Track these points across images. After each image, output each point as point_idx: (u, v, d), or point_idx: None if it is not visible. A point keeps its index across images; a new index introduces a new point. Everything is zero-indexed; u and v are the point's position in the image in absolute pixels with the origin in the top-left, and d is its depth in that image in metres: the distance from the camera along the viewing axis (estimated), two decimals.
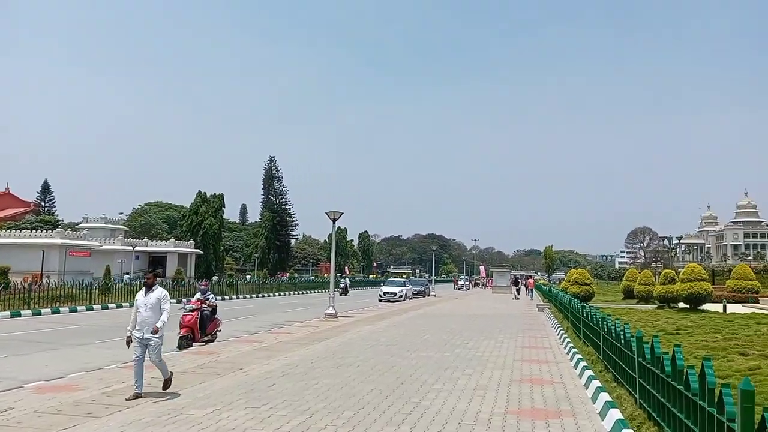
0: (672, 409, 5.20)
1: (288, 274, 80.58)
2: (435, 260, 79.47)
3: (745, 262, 53.76)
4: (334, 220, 23.69)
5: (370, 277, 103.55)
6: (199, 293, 14.98)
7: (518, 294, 47.09)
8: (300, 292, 49.81)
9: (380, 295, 39.40)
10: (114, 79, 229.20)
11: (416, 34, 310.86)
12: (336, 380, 9.27)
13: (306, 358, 11.58)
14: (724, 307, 22.04)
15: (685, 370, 4.84)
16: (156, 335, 7.95)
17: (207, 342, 14.23)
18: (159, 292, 8.16)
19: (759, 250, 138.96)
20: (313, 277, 79.35)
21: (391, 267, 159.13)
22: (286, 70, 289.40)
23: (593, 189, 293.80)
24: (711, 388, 4.26)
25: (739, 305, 25.90)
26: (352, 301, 36.94)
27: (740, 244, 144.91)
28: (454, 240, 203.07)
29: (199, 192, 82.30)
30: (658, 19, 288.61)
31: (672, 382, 5.20)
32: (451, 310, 28.98)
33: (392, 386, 8.85)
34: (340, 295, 42.94)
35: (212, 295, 15.29)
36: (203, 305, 14.54)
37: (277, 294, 46.21)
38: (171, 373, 8.30)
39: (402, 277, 64.30)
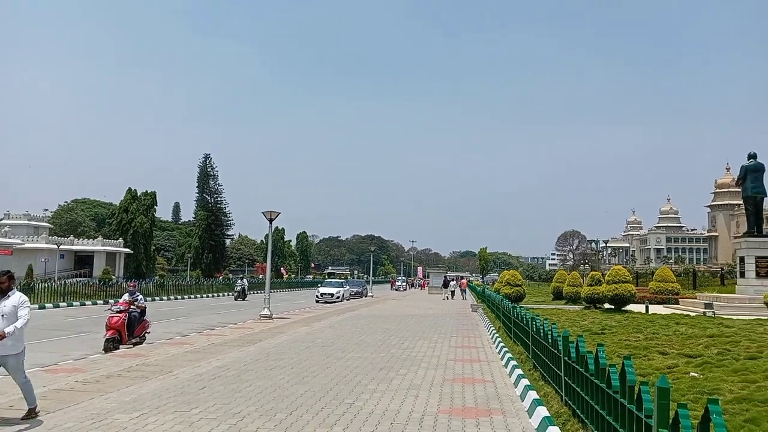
0: (595, 406, 5.39)
1: (222, 274, 78.95)
2: (373, 261, 79.67)
3: (666, 265, 56.50)
4: (270, 220, 23.38)
5: (308, 277, 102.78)
6: (127, 294, 14.50)
7: (452, 295, 48.35)
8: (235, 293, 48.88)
9: (317, 296, 39.21)
10: (39, 70, 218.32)
11: (356, 36, 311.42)
12: (269, 382, 9.15)
13: (238, 361, 11.37)
14: (647, 308, 23.08)
15: (607, 369, 5.03)
16: (14, 352, 6.66)
17: (135, 344, 13.77)
18: (16, 297, 6.80)
19: (680, 253, 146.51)
20: (248, 278, 77.98)
21: (330, 268, 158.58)
22: (223, 67, 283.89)
23: (528, 193, 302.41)
24: (631, 386, 4.43)
25: (660, 306, 27.18)
26: (288, 303, 36.57)
27: (663, 248, 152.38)
28: (392, 241, 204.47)
29: (130, 189, 79.47)
30: (592, 28, 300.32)
31: (595, 380, 5.39)
32: (388, 310, 29.13)
33: (326, 387, 8.81)
34: (236, 299, 38.86)
35: (141, 297, 14.81)
36: (131, 307, 14.06)
37: (210, 295, 45.21)
38: (37, 405, 6.93)
39: (340, 278, 64.20)
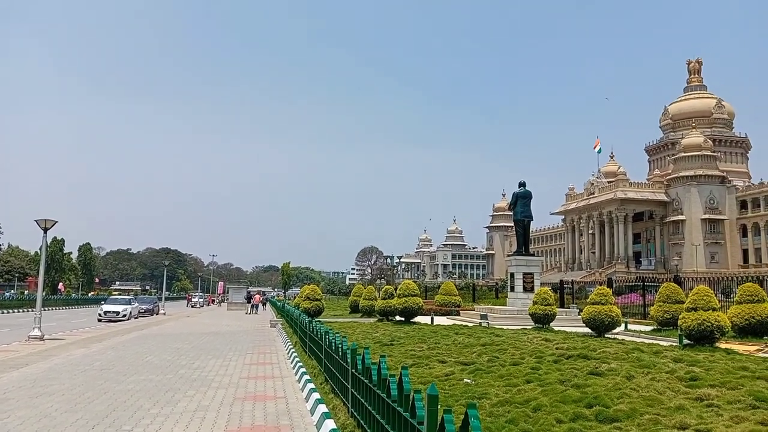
0: (376, 415, 5.65)
1: None
2: (169, 276, 75.13)
3: (451, 280, 61.56)
4: (45, 229, 20.91)
5: (90, 294, 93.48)
6: None
7: (254, 309, 48.65)
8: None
9: (100, 314, 35.80)
10: None
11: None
12: (34, 411, 8.13)
13: None
14: (432, 320, 24.86)
15: (387, 379, 5.31)
16: None
17: None
18: None
19: (463, 269, 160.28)
20: (17, 294, 68.89)
21: (117, 283, 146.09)
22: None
23: (331, 208, 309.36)
24: (407, 395, 4.72)
25: (444, 317, 29.45)
26: (65, 322, 32.89)
27: (449, 264, 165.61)
28: (190, 255, 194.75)
29: None
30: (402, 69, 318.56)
31: (377, 390, 5.66)
32: (181, 328, 27.66)
33: (102, 414, 8.07)
34: None
35: None
36: None
37: None
38: None
39: (129, 294, 59.48)
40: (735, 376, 9.00)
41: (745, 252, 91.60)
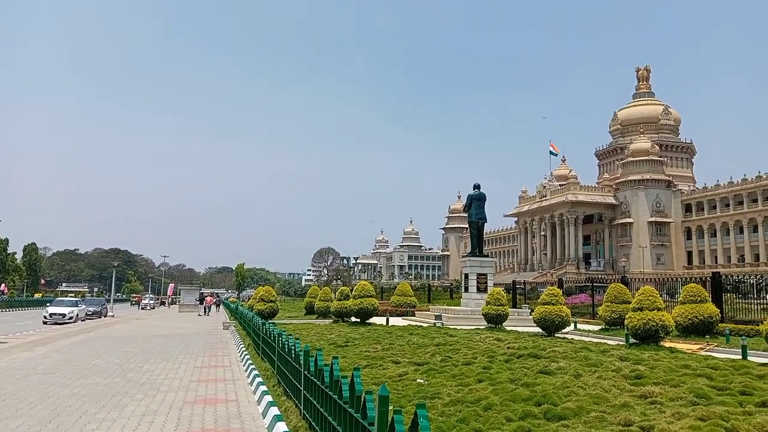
0: (328, 417, 5.62)
1: None
2: (118, 277, 73.12)
3: (407, 281, 61.88)
4: None
5: (36, 296, 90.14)
6: None
7: (206, 311, 47.95)
8: None
9: (45, 317, 34.54)
10: None
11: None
12: None
13: None
14: (387, 321, 24.94)
15: (340, 381, 5.29)
16: None
17: None
18: None
19: (419, 270, 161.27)
20: None
21: (64, 284, 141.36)
22: None
23: (288, 209, 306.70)
24: (358, 396, 4.72)
25: (400, 318, 29.58)
26: (8, 325, 31.63)
27: (405, 265, 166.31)
28: (141, 256, 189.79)
29: None
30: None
31: (329, 392, 5.63)
32: (131, 331, 26.96)
33: (45, 420, 7.80)
34: None
35: None
36: None
37: None
38: None
39: (76, 296, 57.61)
40: (678, 374, 9.34)
41: (690, 254, 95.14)
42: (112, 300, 54.07)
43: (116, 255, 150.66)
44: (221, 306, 61.78)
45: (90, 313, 40.87)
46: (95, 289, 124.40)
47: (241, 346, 17.98)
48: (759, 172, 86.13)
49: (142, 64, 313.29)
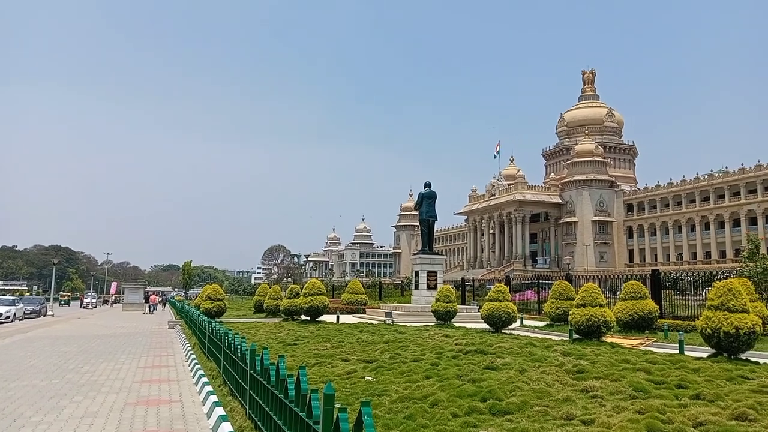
0: (273, 416, 5.55)
1: None
2: (59, 275, 70.49)
3: (358, 278, 61.87)
4: None
5: None
6: None
7: (152, 309, 47.30)
8: None
9: None
10: None
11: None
12: None
13: None
14: (338, 318, 24.90)
15: (285, 380, 5.23)
16: None
17: None
18: None
19: (371, 267, 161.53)
20: None
21: (1, 283, 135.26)
22: None
23: (238, 206, 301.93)
24: (304, 395, 4.68)
25: (350, 316, 29.58)
26: None
27: (357, 262, 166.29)
28: (83, 253, 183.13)
29: None
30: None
31: (275, 391, 5.56)
32: (71, 331, 26.02)
33: None
34: None
35: None
36: None
37: None
38: None
39: (13, 295, 55.21)
40: (618, 368, 9.64)
41: (631, 252, 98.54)
42: (51, 298, 52.10)
43: (57, 252, 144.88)
44: (167, 305, 60.53)
45: (28, 312, 39.32)
46: (35, 288, 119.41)
47: (187, 345, 17.60)
48: (697, 174, 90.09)
49: (75, 51, 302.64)
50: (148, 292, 60.37)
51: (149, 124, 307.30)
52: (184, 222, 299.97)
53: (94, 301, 69.07)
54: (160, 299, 58.79)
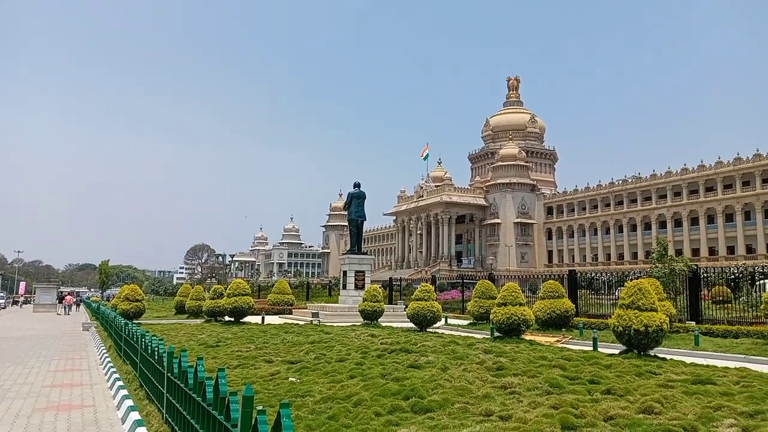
0: (191, 420, 5.41)
1: None
2: None
3: (285, 279, 61.14)
4: None
5: None
6: None
7: (67, 311, 45.83)
8: None
9: None
10: None
11: None
12: None
13: None
14: (263, 319, 24.50)
15: (204, 382, 5.10)
16: None
17: None
18: None
19: (299, 267, 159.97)
20: None
21: None
22: None
23: (160, 203, 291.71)
24: (222, 398, 4.58)
25: (276, 317, 29.18)
26: None
27: (285, 262, 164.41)
28: None
29: None
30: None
31: (192, 394, 5.42)
32: None
33: None
34: None
35: None
36: None
37: None
38: None
39: None
40: (535, 365, 9.99)
41: (550, 253, 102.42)
42: None
43: None
44: (82, 305, 57.74)
45: None
46: None
47: (102, 348, 16.85)
48: (612, 179, 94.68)
49: None
50: (62, 293, 57.45)
51: (66, 111, 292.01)
52: (102, 220, 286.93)
53: (2, 301, 64.97)
54: (75, 300, 56.00)
